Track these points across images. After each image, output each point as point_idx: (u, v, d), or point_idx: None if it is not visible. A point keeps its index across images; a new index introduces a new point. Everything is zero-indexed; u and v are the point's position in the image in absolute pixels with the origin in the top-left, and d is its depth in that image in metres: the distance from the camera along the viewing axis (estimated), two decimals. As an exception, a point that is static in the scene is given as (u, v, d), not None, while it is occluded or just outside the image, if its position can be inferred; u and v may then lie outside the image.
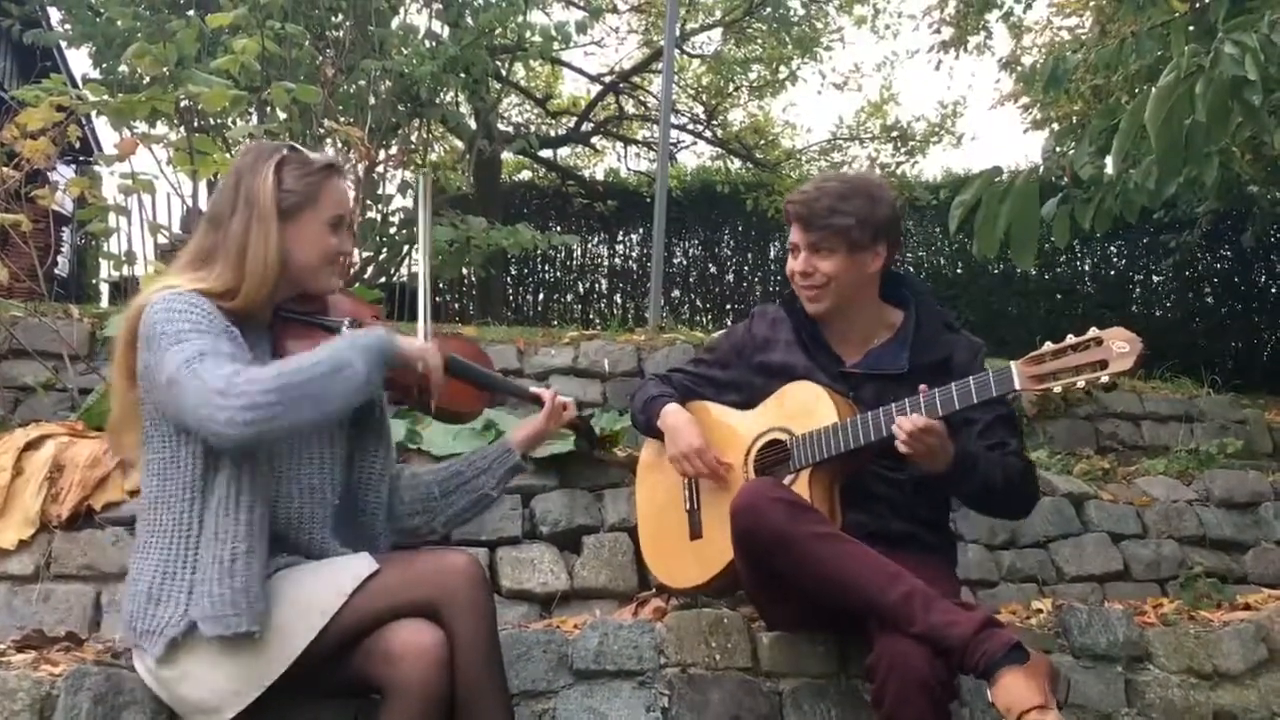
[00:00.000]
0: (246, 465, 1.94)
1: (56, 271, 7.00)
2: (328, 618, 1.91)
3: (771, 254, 11.92)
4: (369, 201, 5.55)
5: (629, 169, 13.94)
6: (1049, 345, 2.21)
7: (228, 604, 1.87)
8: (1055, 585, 3.58)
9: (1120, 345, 2.10)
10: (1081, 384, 2.15)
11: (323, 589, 1.94)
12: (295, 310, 2.14)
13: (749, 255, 12.01)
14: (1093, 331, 2.15)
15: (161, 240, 4.53)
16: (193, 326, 1.91)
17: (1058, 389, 2.19)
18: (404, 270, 6.51)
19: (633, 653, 2.43)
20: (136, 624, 1.95)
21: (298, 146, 2.15)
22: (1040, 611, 2.96)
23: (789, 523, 2.22)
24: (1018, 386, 2.22)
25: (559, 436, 3.37)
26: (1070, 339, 2.17)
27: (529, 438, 2.41)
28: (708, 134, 14.16)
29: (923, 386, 2.30)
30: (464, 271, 7.34)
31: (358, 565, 1.98)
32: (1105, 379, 2.13)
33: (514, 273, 11.60)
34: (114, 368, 2.10)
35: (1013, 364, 2.23)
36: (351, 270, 5.24)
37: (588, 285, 12.03)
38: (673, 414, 2.68)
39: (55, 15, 7.30)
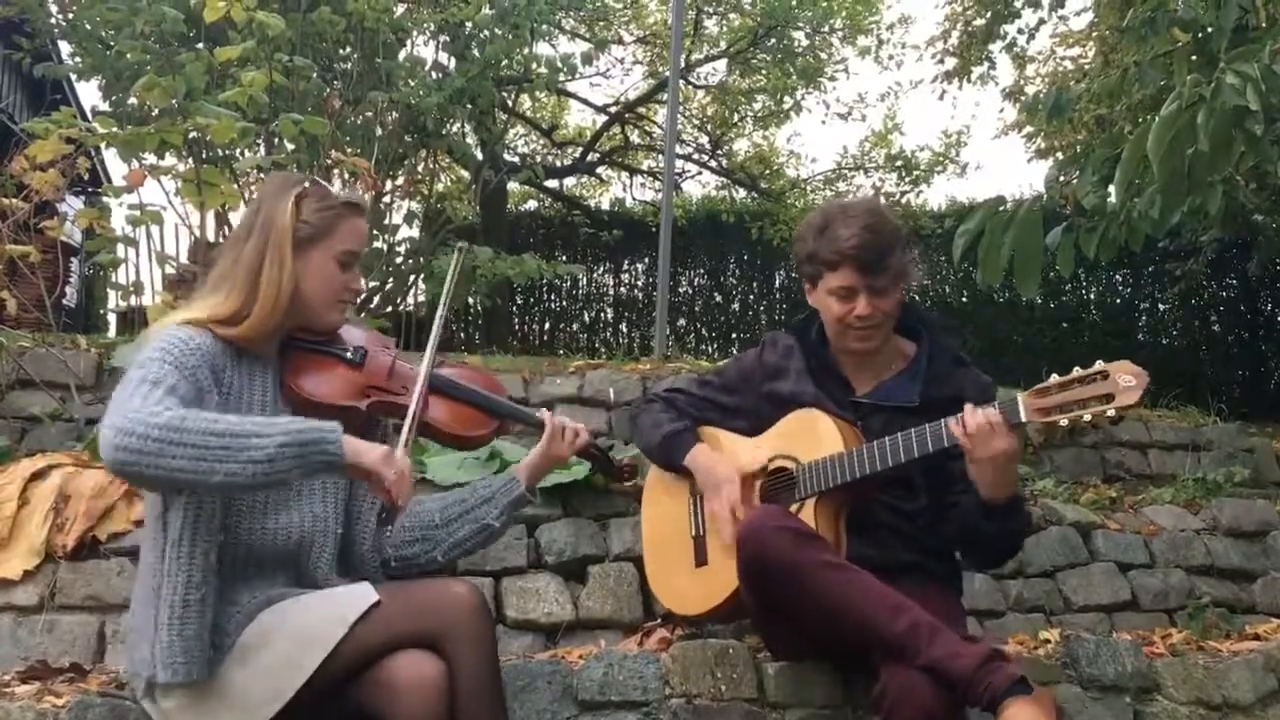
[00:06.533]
0: (198, 505, 1.90)
1: (64, 302, 7.03)
2: (328, 650, 1.88)
3: (777, 283, 11.97)
4: (375, 231, 5.58)
5: (634, 199, 14.04)
6: (1055, 378, 2.18)
7: (178, 652, 1.85)
8: (1063, 615, 3.57)
9: (1126, 379, 2.08)
10: (1088, 418, 2.12)
11: (323, 621, 1.92)
12: (304, 340, 2.15)
13: (754, 284, 12.05)
14: (1099, 365, 2.12)
15: (169, 271, 4.57)
16: (163, 355, 1.90)
17: (1064, 422, 2.15)
18: (410, 300, 6.54)
19: (638, 684, 2.42)
20: (127, 659, 1.96)
21: (321, 181, 2.17)
22: (1048, 642, 2.95)
23: (794, 552, 2.21)
24: (1024, 419, 2.19)
25: (569, 465, 3.37)
26: (1076, 371, 2.14)
27: (533, 466, 2.34)
28: (713, 163, 14.22)
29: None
30: (470, 301, 7.36)
31: (358, 596, 1.95)
32: (1112, 413, 2.10)
33: (520, 302, 11.64)
34: None
35: (1019, 396, 2.21)
36: (358, 300, 5.26)
37: (593, 314, 12.07)
38: (705, 461, 2.64)
39: (65, 48, 7.36)
